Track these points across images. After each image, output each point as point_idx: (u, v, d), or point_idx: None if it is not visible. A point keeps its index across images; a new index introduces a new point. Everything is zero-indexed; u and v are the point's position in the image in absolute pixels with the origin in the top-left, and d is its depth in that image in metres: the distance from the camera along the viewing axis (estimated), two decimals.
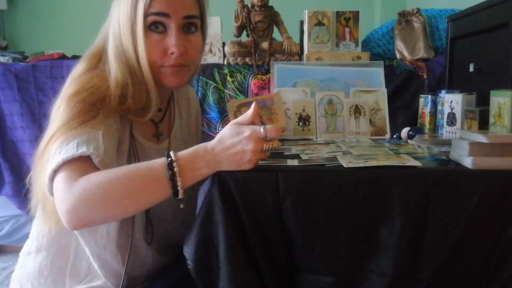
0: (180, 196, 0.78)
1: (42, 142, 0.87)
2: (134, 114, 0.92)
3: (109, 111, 0.87)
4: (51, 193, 0.80)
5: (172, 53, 0.91)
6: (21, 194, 1.78)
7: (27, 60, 1.87)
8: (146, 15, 0.88)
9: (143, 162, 0.80)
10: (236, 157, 0.79)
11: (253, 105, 0.83)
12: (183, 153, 0.79)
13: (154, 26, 0.90)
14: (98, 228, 0.92)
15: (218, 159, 0.79)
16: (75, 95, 0.86)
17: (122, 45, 0.91)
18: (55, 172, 0.78)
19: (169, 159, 0.77)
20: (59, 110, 0.86)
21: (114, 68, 0.91)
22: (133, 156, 0.95)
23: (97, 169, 0.79)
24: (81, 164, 0.78)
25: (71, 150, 0.78)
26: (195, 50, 0.96)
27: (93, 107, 0.85)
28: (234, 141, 0.78)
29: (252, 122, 0.83)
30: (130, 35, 0.89)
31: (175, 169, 0.76)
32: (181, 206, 0.90)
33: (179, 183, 0.77)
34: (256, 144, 0.78)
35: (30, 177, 0.92)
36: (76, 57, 1.84)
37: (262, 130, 0.78)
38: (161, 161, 0.78)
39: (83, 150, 0.78)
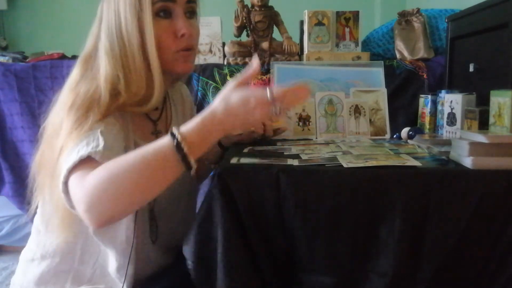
0: (194, 169, 0.76)
1: (42, 162, 0.89)
2: (133, 106, 0.92)
3: (105, 110, 0.87)
4: (71, 206, 0.79)
5: (182, 35, 0.92)
6: (21, 194, 1.78)
7: (27, 60, 1.87)
8: (153, 3, 0.90)
9: (147, 147, 0.77)
10: (245, 124, 0.79)
11: (254, 59, 0.80)
12: (190, 130, 0.76)
13: (162, 13, 0.91)
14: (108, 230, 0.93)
15: (226, 127, 0.78)
16: (72, 106, 0.86)
17: (121, 38, 0.90)
18: (65, 183, 0.78)
19: (175, 140, 0.74)
20: (63, 124, 0.86)
21: (103, 63, 0.91)
22: None
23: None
24: (86, 164, 0.77)
25: (74, 158, 0.78)
26: (197, 35, 0.99)
27: (88, 111, 0.85)
28: (240, 111, 0.76)
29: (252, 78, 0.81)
30: (136, 24, 0.89)
31: (185, 150, 0.74)
32: (192, 173, 0.87)
33: (191, 161, 0.75)
34: (263, 110, 0.76)
35: (34, 189, 0.93)
36: (76, 57, 1.84)
37: (268, 94, 0.76)
38: (167, 144, 0.75)
39: (82, 154, 0.78)
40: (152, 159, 0.75)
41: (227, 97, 0.77)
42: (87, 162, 0.78)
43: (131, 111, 0.93)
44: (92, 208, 0.74)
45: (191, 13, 0.96)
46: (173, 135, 0.75)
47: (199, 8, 1.00)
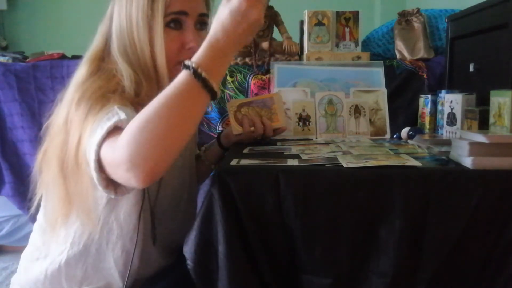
0: (219, 95, 0.76)
1: (45, 160, 0.89)
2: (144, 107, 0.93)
3: (123, 99, 0.86)
4: (105, 186, 0.78)
5: (189, 48, 0.92)
6: (21, 194, 1.78)
7: (27, 60, 1.86)
8: (166, 14, 0.90)
9: (168, 87, 0.75)
10: (247, 28, 0.76)
11: None
12: (201, 56, 0.75)
13: (173, 24, 0.92)
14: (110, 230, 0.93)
15: (234, 38, 0.76)
16: (81, 99, 0.85)
17: (134, 43, 0.90)
18: (97, 160, 0.77)
19: (191, 68, 0.73)
20: (73, 118, 0.85)
21: (125, 69, 0.90)
22: None
23: None
24: (113, 134, 0.76)
25: (100, 133, 0.77)
26: None
27: (103, 98, 0.84)
28: (234, 17, 0.75)
29: None
30: (147, 32, 0.90)
31: (203, 74, 0.73)
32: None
33: (213, 85, 0.74)
34: (252, 3, 0.74)
35: (36, 188, 0.93)
36: (76, 57, 1.84)
37: None
38: (185, 75, 0.74)
39: (108, 125, 0.77)
40: (176, 94, 0.73)
41: (221, 20, 0.76)
42: (113, 132, 0.76)
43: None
44: (134, 161, 0.71)
45: (202, 24, 0.96)
46: (187, 66, 0.74)
47: (210, 19, 1.00)
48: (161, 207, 0.99)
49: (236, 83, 1.65)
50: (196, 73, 0.72)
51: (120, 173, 0.74)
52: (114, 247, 0.95)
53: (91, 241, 0.94)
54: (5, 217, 2.11)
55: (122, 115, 0.78)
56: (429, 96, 1.32)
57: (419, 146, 1.09)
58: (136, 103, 0.89)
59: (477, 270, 0.83)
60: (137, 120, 0.72)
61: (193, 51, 0.91)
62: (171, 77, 0.93)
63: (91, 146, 0.77)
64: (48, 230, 0.97)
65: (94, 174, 0.77)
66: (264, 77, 1.63)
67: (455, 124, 1.16)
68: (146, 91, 0.90)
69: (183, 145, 0.76)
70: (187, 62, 0.74)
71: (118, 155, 0.72)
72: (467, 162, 0.86)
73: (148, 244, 0.99)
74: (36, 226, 1.03)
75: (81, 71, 0.94)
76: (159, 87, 0.92)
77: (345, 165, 0.86)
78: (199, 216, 0.84)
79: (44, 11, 3.13)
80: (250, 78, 1.65)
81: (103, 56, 0.94)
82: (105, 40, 0.95)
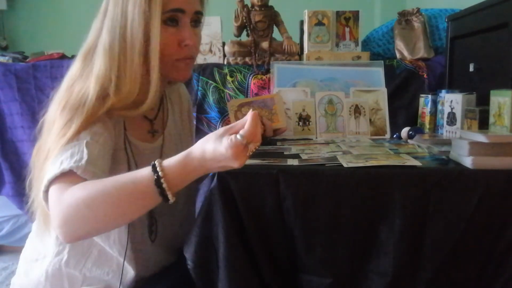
0: (172, 201, 0.77)
1: (38, 155, 0.89)
2: (124, 109, 0.91)
3: (91, 114, 0.86)
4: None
5: (186, 45, 0.93)
6: (21, 194, 1.78)
7: (27, 60, 1.86)
8: (164, 11, 0.90)
9: (128, 174, 0.78)
10: (223, 166, 0.78)
11: (250, 114, 0.77)
12: (171, 166, 0.76)
13: (169, 21, 0.92)
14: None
15: (207, 167, 0.78)
16: (64, 107, 0.87)
17: (124, 39, 0.89)
18: (46, 192, 0.79)
19: (156, 174, 0.75)
20: (55, 123, 0.86)
21: (98, 61, 0.90)
22: (131, 160, 0.95)
23: (84, 179, 0.79)
24: (67, 177, 0.78)
25: (56, 169, 0.78)
26: (199, 43, 1.01)
27: (74, 115, 0.85)
28: (216, 156, 0.76)
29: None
30: (142, 29, 0.89)
31: (164, 185, 0.75)
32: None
33: (169, 195, 0.76)
34: (237, 154, 0.75)
35: (30, 183, 0.93)
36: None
37: (240, 138, 0.75)
38: (147, 177, 0.75)
39: (63, 167, 0.78)
40: (130, 188, 0.76)
41: (205, 146, 0.76)
42: (68, 175, 0.78)
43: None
44: (65, 225, 0.74)
45: (197, 21, 0.97)
46: (154, 169, 0.75)
47: (204, 17, 1.02)
48: (157, 206, 0.99)
49: (236, 83, 1.66)
50: (157, 181, 0.75)
51: (52, 221, 0.77)
52: (111, 247, 0.94)
53: (89, 242, 0.95)
54: (5, 217, 2.11)
55: (84, 158, 0.79)
56: (429, 96, 1.32)
57: (419, 146, 1.09)
58: (109, 109, 0.89)
59: (477, 270, 0.83)
60: (86, 192, 0.74)
61: (189, 48, 0.94)
62: (169, 76, 0.95)
63: (47, 175, 0.79)
64: (46, 230, 0.98)
65: (44, 205, 0.80)
66: (264, 77, 1.63)
67: (455, 124, 1.16)
68: (116, 90, 0.89)
69: (114, 229, 0.84)
70: (157, 163, 0.75)
71: (57, 210, 0.75)
72: (467, 161, 0.86)
73: (146, 243, 0.98)
74: (34, 226, 1.02)
75: (73, 70, 0.94)
76: (143, 84, 0.90)
77: (345, 165, 0.86)
78: (199, 216, 0.84)
79: (44, 11, 3.12)
80: (250, 78, 1.65)
81: (91, 52, 0.94)
82: (95, 36, 0.94)
